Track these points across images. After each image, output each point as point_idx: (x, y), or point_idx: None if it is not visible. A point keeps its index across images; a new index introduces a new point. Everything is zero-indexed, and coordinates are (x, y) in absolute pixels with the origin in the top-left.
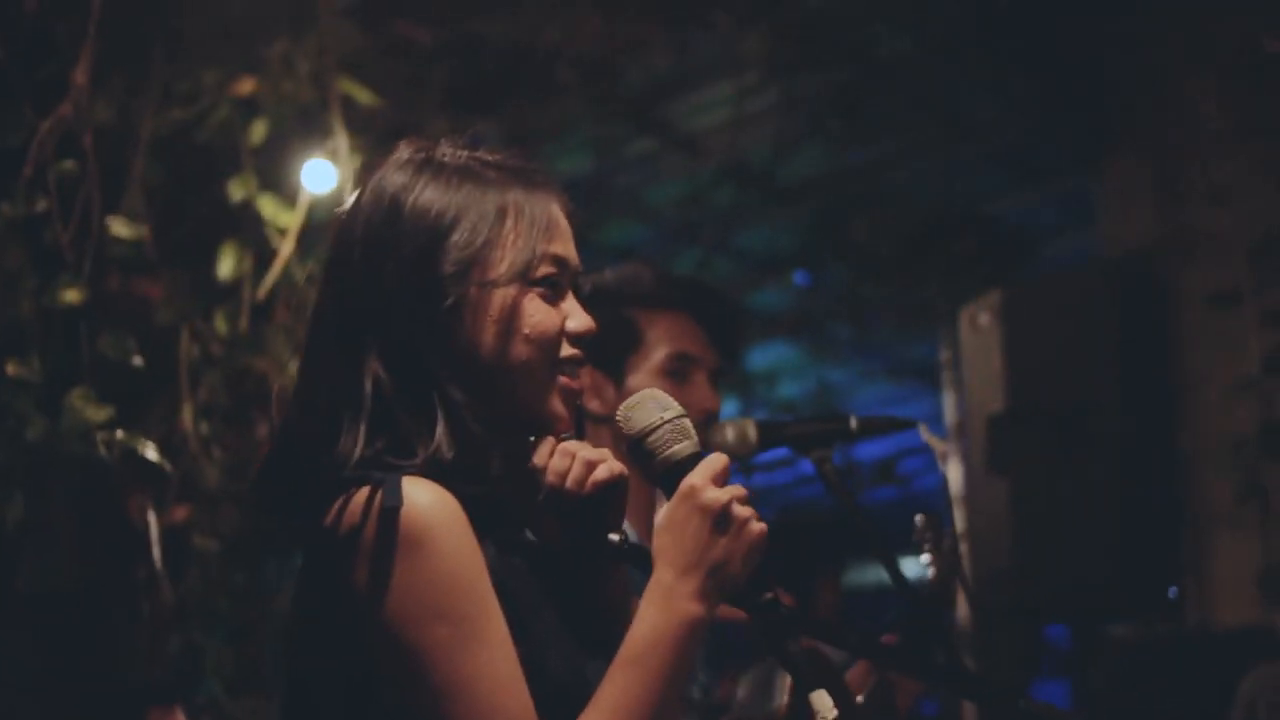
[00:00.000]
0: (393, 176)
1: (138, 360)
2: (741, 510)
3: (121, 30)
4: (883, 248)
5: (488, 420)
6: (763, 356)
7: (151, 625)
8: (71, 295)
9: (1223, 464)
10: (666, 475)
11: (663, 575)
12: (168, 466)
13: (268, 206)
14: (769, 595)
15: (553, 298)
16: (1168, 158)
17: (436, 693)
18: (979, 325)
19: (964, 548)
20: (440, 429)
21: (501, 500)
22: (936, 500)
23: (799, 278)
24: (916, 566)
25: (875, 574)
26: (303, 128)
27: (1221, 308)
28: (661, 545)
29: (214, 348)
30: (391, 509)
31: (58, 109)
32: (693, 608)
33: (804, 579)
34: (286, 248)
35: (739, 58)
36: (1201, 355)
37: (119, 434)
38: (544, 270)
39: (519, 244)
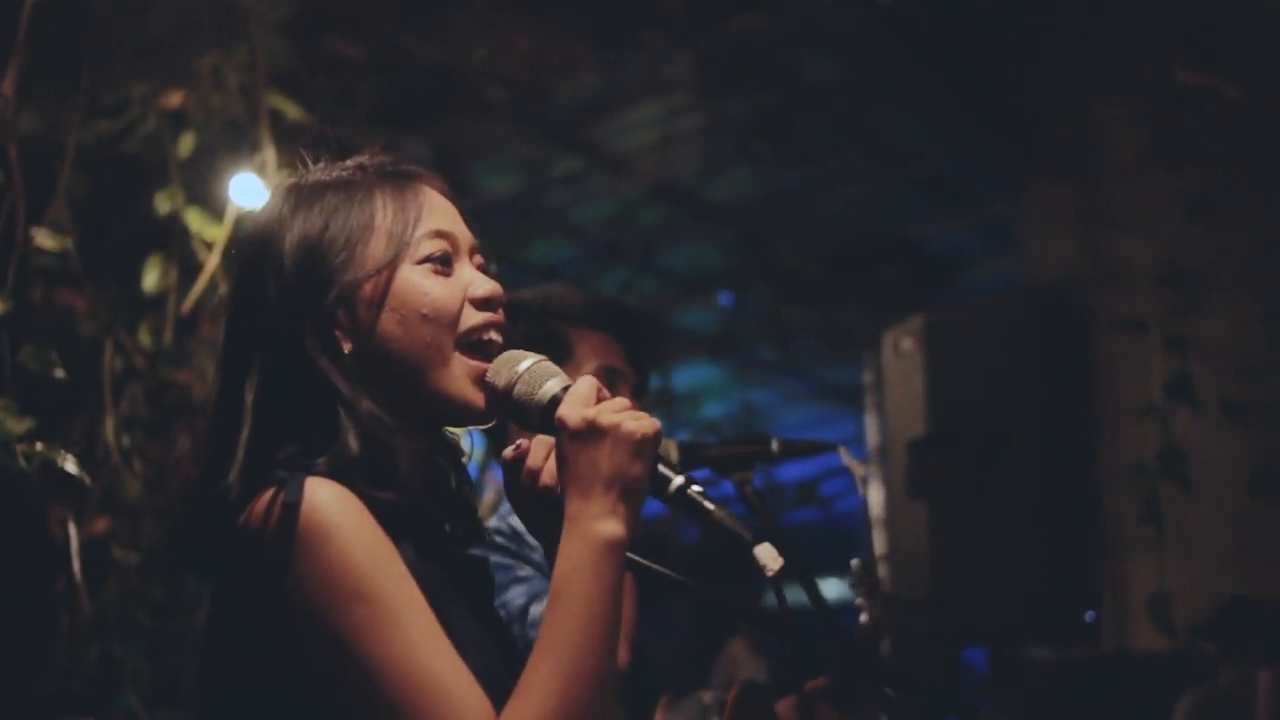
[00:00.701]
0: (268, 206)
1: (60, 373)
2: (612, 417)
3: (50, 42)
4: (807, 271)
5: (399, 418)
6: (687, 376)
7: (70, 637)
8: None
9: (1129, 487)
10: (544, 419)
11: (570, 507)
12: (87, 480)
13: (195, 220)
14: (677, 482)
15: (447, 271)
16: (1087, 187)
17: (371, 674)
18: (901, 350)
19: (884, 571)
20: (345, 435)
21: (416, 504)
22: (857, 523)
23: (724, 299)
24: (837, 588)
25: (796, 596)
26: (231, 141)
27: (1131, 334)
28: (561, 482)
29: (138, 360)
30: (292, 504)
31: None
32: (605, 527)
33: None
34: (213, 261)
35: (667, 79)
36: (1117, 381)
37: (39, 446)
38: (428, 247)
39: (393, 229)
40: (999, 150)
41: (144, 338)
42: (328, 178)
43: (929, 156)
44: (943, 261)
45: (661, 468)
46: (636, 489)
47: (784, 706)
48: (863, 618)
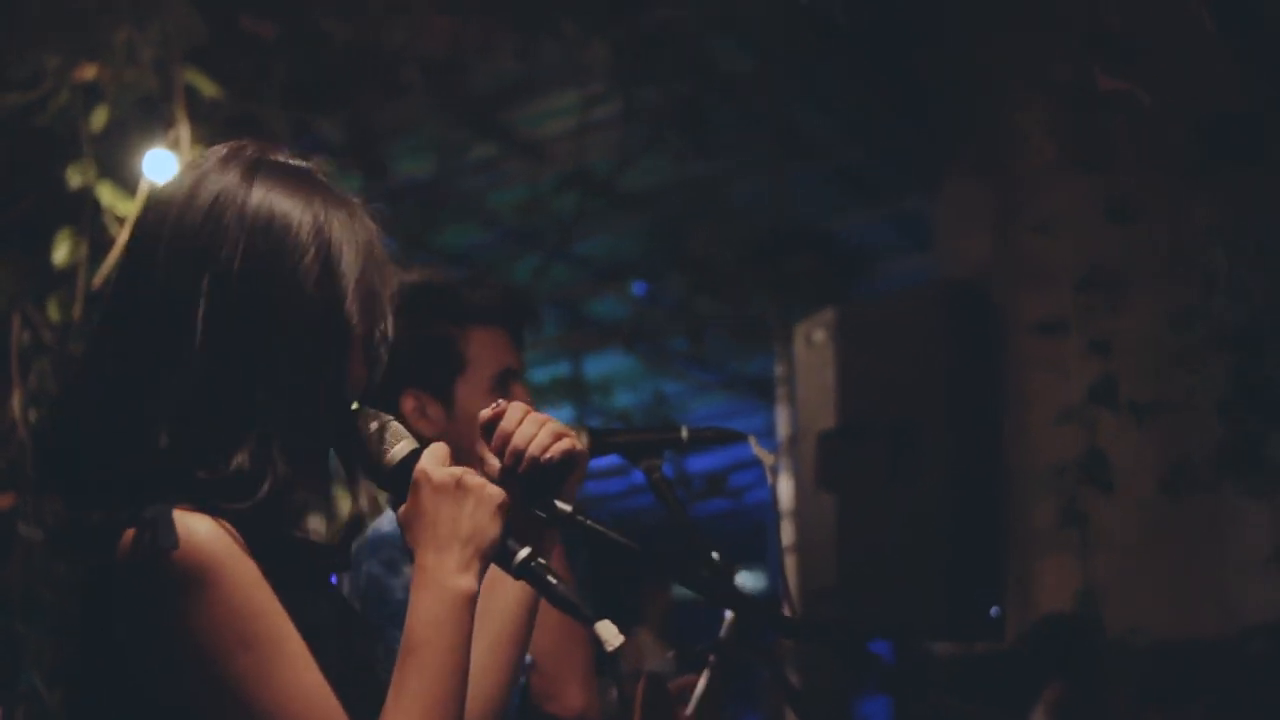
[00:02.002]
0: (218, 175)
1: None
2: (475, 479)
3: None
4: (721, 261)
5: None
6: (599, 365)
7: None
8: None
9: (1047, 488)
10: (395, 477)
11: (423, 559)
12: None
13: (106, 194)
14: (523, 553)
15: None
16: (1004, 185)
17: (243, 710)
18: (813, 341)
19: (791, 563)
20: (238, 454)
21: (292, 532)
22: (766, 514)
23: (637, 288)
24: (749, 579)
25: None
26: (144, 116)
27: (1049, 336)
28: (414, 536)
29: (46, 335)
30: (167, 548)
31: None
32: (458, 583)
33: (633, 589)
34: (124, 236)
35: (584, 66)
36: (1030, 380)
37: None
38: (362, 322)
39: (364, 302)
40: (917, 146)
41: (53, 312)
42: (289, 169)
43: (846, 150)
44: (858, 255)
45: (510, 541)
46: (491, 550)
47: (675, 687)
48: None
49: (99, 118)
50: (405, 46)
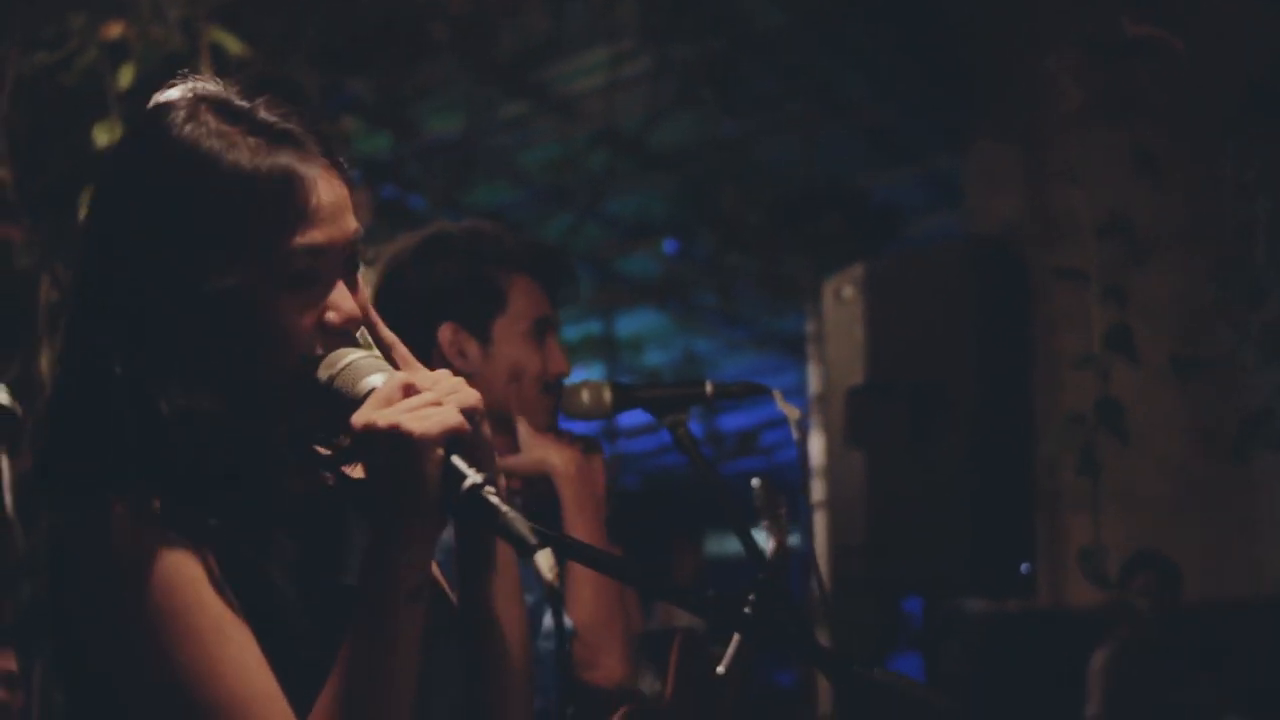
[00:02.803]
0: (189, 123)
1: None
2: (389, 417)
3: None
4: (751, 219)
5: (240, 416)
6: (630, 323)
7: (1, 572)
8: None
9: (1067, 439)
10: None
11: (371, 521)
12: (19, 411)
13: None
14: (467, 483)
15: (308, 290)
16: (1032, 139)
17: (170, 699)
18: (842, 297)
19: (821, 520)
20: (171, 429)
21: (240, 507)
22: (796, 473)
23: (668, 246)
24: (761, 527)
25: (734, 544)
26: (171, 75)
27: (1071, 285)
28: None
29: None
30: (75, 533)
31: None
32: (383, 546)
33: (664, 545)
34: None
35: (614, 23)
36: (1058, 334)
37: None
38: (300, 264)
39: (274, 237)
40: (945, 103)
41: None
42: (254, 122)
43: (875, 107)
44: (887, 213)
45: (456, 462)
46: (414, 497)
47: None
48: (769, 545)
49: (125, 76)
50: (435, 4)
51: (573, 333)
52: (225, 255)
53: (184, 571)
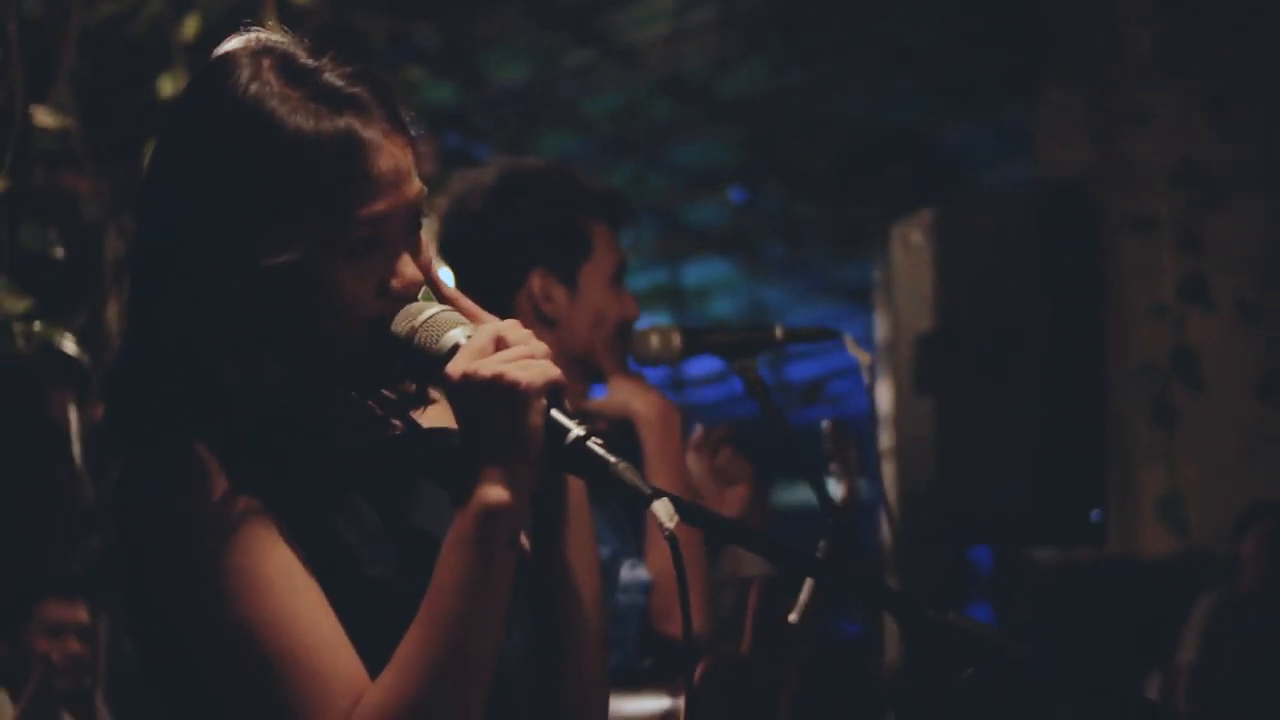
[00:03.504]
0: (232, 82)
1: (60, 252)
2: (490, 368)
3: None
4: (818, 167)
5: (302, 376)
6: (697, 272)
7: (70, 523)
8: None
9: (1140, 388)
10: (439, 372)
11: (460, 471)
12: (87, 361)
13: None
14: (574, 435)
15: (369, 258)
16: (1101, 86)
17: (236, 648)
18: (910, 244)
19: (889, 468)
20: (235, 383)
21: (309, 430)
22: (865, 422)
23: (734, 194)
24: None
25: (803, 494)
26: (236, 25)
27: (1141, 232)
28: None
29: None
30: (134, 484)
31: None
32: (482, 493)
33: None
34: None
35: None
36: (1128, 281)
37: (37, 326)
38: (364, 233)
39: (339, 206)
40: (1014, 50)
41: None
42: (322, 82)
43: (943, 56)
44: (955, 162)
45: (557, 415)
46: (521, 450)
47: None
48: (839, 490)
49: (190, 27)
50: None
51: (639, 281)
52: (284, 224)
53: (251, 522)
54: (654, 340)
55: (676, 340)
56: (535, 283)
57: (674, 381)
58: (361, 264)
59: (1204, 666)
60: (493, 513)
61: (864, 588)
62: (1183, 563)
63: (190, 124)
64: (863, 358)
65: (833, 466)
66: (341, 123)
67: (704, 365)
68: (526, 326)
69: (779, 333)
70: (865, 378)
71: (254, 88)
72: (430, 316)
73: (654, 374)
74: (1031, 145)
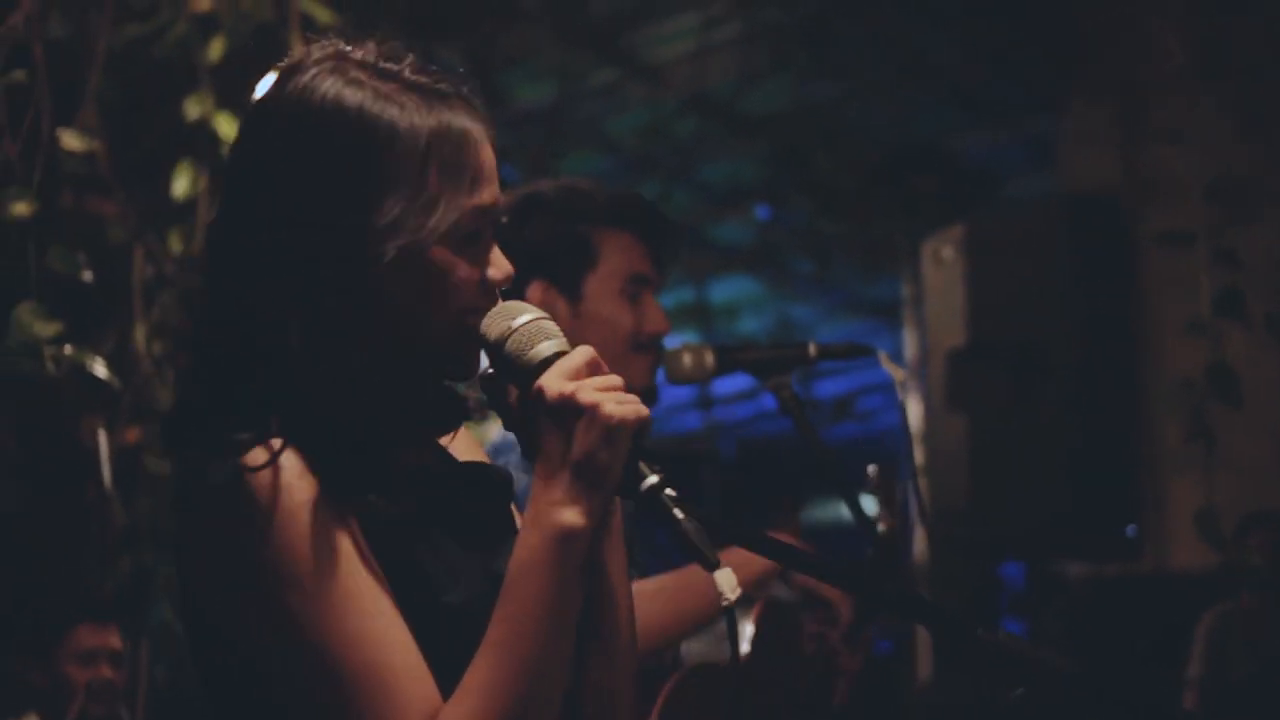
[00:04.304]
0: (328, 82)
1: (88, 276)
2: (593, 395)
3: None
4: (845, 183)
5: (392, 373)
6: (723, 290)
7: (101, 546)
8: (20, 208)
9: (1176, 404)
10: (527, 380)
11: (534, 489)
12: (117, 384)
13: (225, 125)
14: (651, 480)
15: (473, 249)
16: (1130, 97)
17: (311, 665)
18: (941, 258)
19: (921, 483)
20: (311, 384)
21: (389, 446)
22: (896, 437)
23: (760, 211)
24: (872, 505)
25: (835, 511)
26: (261, 46)
27: (1175, 247)
28: (532, 459)
29: (168, 268)
30: (220, 487)
31: (8, 19)
32: (560, 517)
33: (762, 512)
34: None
35: None
36: (1160, 295)
37: (67, 349)
38: (471, 225)
39: (452, 196)
40: (1041, 62)
41: (174, 245)
42: (404, 78)
43: (969, 68)
44: (982, 174)
45: (642, 464)
46: (603, 479)
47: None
48: (880, 527)
49: (216, 49)
50: None
51: (666, 300)
52: (399, 212)
53: (338, 532)
54: (687, 359)
55: (709, 358)
56: (535, 294)
57: (703, 399)
58: (466, 255)
59: (1211, 680)
60: (570, 536)
61: (909, 605)
62: (1217, 577)
63: (287, 125)
64: (896, 374)
65: (877, 509)
66: (445, 116)
67: (733, 383)
68: None
69: (813, 350)
70: (898, 394)
71: (351, 86)
72: (526, 322)
73: (684, 392)
74: (1059, 158)
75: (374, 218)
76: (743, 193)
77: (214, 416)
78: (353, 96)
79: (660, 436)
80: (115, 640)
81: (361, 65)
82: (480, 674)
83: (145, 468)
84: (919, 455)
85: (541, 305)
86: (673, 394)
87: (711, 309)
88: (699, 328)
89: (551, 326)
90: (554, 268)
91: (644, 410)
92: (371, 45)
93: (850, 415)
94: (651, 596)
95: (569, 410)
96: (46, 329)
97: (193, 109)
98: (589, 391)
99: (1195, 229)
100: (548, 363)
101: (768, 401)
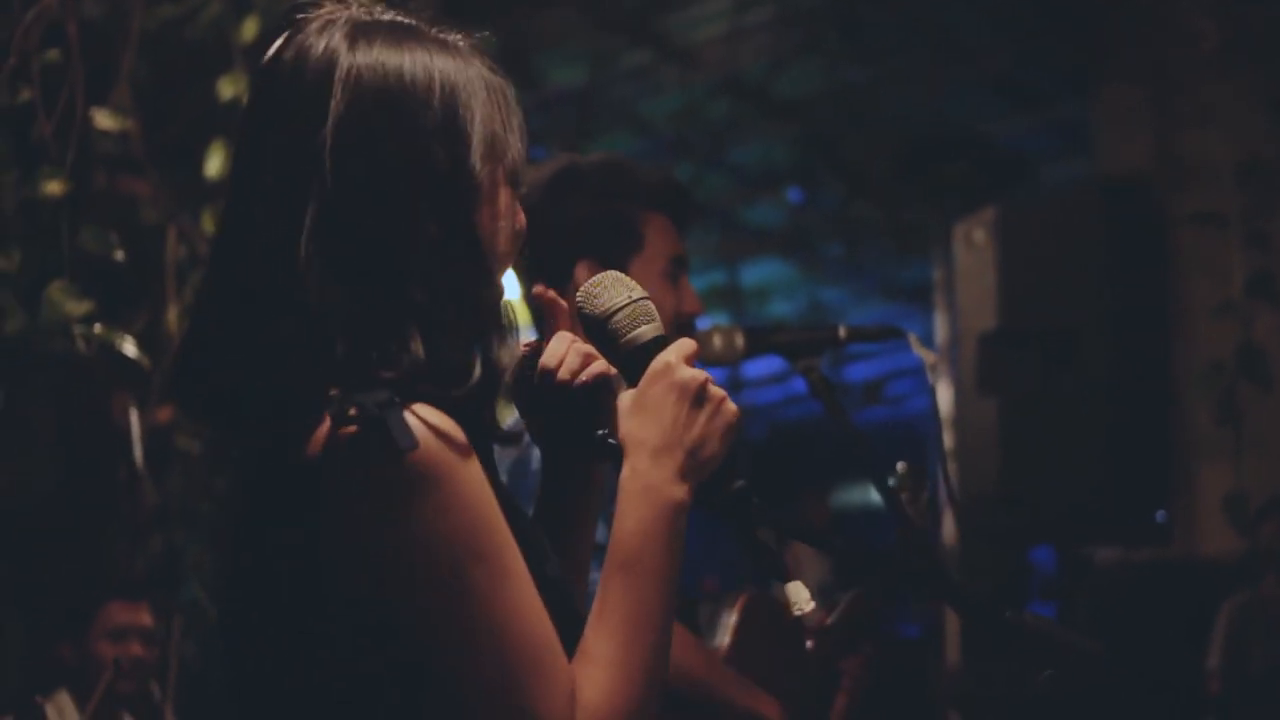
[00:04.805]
0: (318, 41)
1: (119, 255)
2: (718, 390)
3: None
4: (877, 167)
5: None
6: (755, 273)
7: (132, 525)
8: (53, 187)
9: (1206, 387)
10: (631, 358)
11: (638, 463)
12: (147, 363)
13: None
14: (740, 483)
15: (516, 194)
16: (1163, 82)
17: (473, 641)
18: (973, 242)
19: (951, 468)
20: (412, 339)
21: (476, 404)
22: (926, 421)
23: (792, 195)
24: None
25: (864, 495)
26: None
27: (1207, 230)
28: (632, 430)
29: (201, 248)
30: (404, 450)
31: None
32: (675, 492)
33: (791, 494)
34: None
35: None
36: (1192, 278)
37: (98, 328)
38: (519, 172)
39: (511, 137)
40: (1074, 46)
41: (207, 225)
42: (434, 31)
43: (1002, 53)
44: (1014, 159)
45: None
46: (710, 469)
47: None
48: (906, 527)
49: (250, 29)
50: None
51: (698, 282)
52: (485, 156)
53: (493, 502)
54: (717, 340)
55: (740, 340)
56: (581, 275)
57: (733, 382)
58: (512, 198)
59: (1230, 669)
60: (682, 511)
61: (938, 588)
62: (1246, 562)
63: (367, 91)
64: (928, 357)
65: (904, 503)
66: (482, 68)
67: (763, 366)
68: (574, 320)
69: (843, 332)
70: (929, 377)
71: (379, 43)
72: (638, 300)
73: (713, 374)
74: (1091, 142)
75: (473, 158)
76: (775, 176)
77: (328, 373)
78: (423, 56)
79: None
80: (146, 617)
81: (391, 25)
82: (610, 644)
83: (176, 447)
84: (949, 439)
85: None
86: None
87: (742, 291)
88: (730, 310)
89: (654, 308)
90: (601, 248)
91: (738, 410)
92: (391, 10)
93: (880, 399)
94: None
95: (702, 396)
96: (78, 308)
97: (226, 89)
98: (714, 385)
99: (1227, 212)
100: (654, 344)
101: (797, 385)
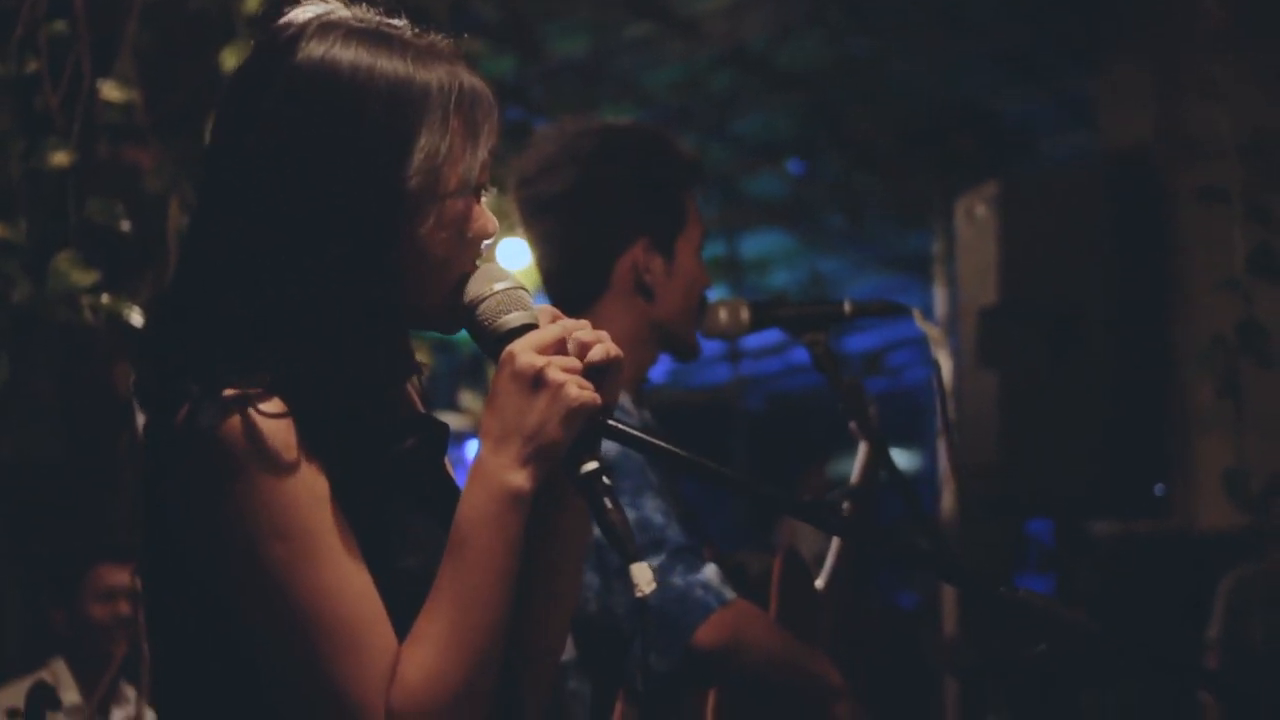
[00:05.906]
0: (270, 41)
1: (126, 225)
2: (558, 375)
3: None
4: (879, 139)
5: (391, 319)
6: (755, 244)
7: (132, 494)
8: (59, 158)
9: (1207, 361)
10: (496, 347)
11: (482, 451)
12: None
13: None
14: (591, 466)
15: (477, 201)
16: (1167, 57)
17: (280, 614)
18: (975, 216)
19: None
20: (301, 334)
21: (364, 415)
22: (926, 392)
23: (793, 166)
24: (904, 459)
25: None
26: None
27: (1210, 204)
28: (482, 420)
29: None
30: (206, 430)
31: None
32: (511, 479)
33: (790, 466)
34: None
35: None
36: (1194, 254)
37: (105, 298)
38: (481, 178)
39: (470, 148)
40: (1078, 20)
41: None
42: (401, 34)
43: (1006, 27)
44: (1018, 133)
45: (584, 452)
46: (552, 454)
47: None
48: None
49: (253, 0)
50: None
51: None
52: (432, 167)
53: (319, 482)
54: (722, 314)
55: (745, 314)
56: (639, 252)
57: (732, 353)
58: (474, 205)
59: (1231, 642)
60: (518, 498)
61: (931, 561)
62: (1244, 537)
63: (291, 84)
64: (932, 332)
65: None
66: (456, 71)
67: (761, 337)
68: (623, 294)
69: (848, 307)
70: (933, 352)
71: (352, 47)
72: (502, 290)
73: (712, 345)
74: (1095, 116)
75: (407, 169)
76: (777, 147)
77: (199, 359)
78: (374, 59)
79: (689, 389)
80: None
81: (360, 29)
82: (435, 624)
83: None
84: (951, 412)
85: (643, 263)
86: (710, 345)
87: (743, 262)
88: (730, 281)
89: (526, 297)
90: (657, 226)
91: (599, 399)
92: (363, 8)
93: (880, 370)
94: None
95: (537, 383)
96: (85, 278)
97: (229, 59)
98: (556, 370)
99: (1230, 186)
100: (516, 332)
101: (796, 356)
